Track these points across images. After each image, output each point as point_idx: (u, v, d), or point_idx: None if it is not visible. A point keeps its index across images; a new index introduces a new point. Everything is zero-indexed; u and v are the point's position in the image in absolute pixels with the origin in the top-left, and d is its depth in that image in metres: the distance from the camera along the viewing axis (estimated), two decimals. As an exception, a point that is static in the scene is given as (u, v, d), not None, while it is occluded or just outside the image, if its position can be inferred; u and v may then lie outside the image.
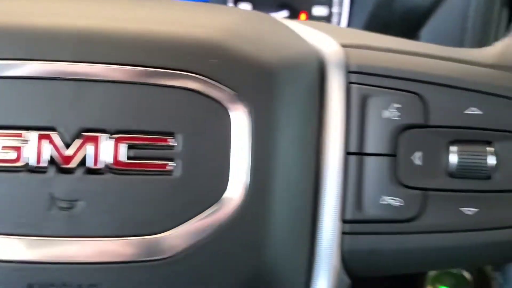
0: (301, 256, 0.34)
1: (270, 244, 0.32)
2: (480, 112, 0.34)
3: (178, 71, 0.31)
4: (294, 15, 0.99)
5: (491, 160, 0.34)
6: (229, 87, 0.31)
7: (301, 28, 0.39)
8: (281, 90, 0.33)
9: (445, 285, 0.92)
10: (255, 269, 0.32)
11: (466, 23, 0.79)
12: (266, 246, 0.32)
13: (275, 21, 0.38)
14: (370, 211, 0.34)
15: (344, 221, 0.35)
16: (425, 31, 0.84)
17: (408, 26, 0.58)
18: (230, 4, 0.98)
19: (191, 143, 0.31)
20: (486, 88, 0.34)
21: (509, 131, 0.34)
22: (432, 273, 0.91)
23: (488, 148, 0.34)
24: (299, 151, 0.34)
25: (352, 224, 0.35)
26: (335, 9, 0.98)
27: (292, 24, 0.39)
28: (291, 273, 0.34)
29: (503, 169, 0.34)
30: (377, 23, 0.60)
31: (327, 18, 0.99)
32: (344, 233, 0.35)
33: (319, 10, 1.00)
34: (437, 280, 0.91)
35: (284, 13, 0.98)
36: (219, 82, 0.31)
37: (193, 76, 0.31)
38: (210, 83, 0.31)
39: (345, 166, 0.35)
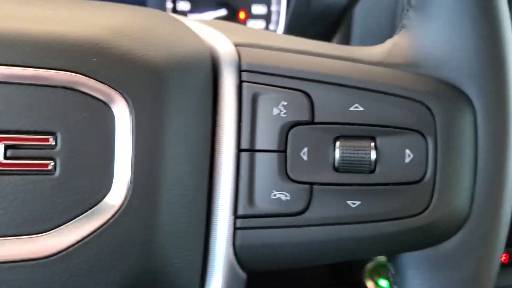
0: (195, 252, 0.35)
1: (159, 241, 0.33)
2: (362, 108, 0.35)
3: (58, 71, 0.31)
4: (233, 14, 1.00)
5: (373, 155, 0.35)
6: (110, 86, 0.31)
7: (198, 26, 0.39)
8: (170, 88, 0.33)
9: (383, 277, 0.94)
10: (141, 267, 0.32)
11: (395, 21, 0.81)
12: (154, 243, 0.32)
13: (171, 20, 0.39)
14: (261, 206, 0.35)
15: (237, 216, 0.35)
16: (357, 29, 0.86)
17: (328, 24, 0.59)
18: (169, 2, 0.98)
19: (72, 143, 0.31)
20: (368, 85, 0.35)
21: (389, 126, 0.35)
22: (369, 266, 0.93)
23: (370, 143, 0.35)
24: (191, 149, 0.34)
25: (244, 219, 0.35)
26: (273, 8, 0.99)
27: (190, 23, 0.40)
28: (184, 270, 0.35)
29: (385, 163, 0.35)
30: (298, 20, 0.61)
31: (266, 16, 1.00)
32: (237, 228, 0.35)
33: (258, 9, 1.01)
34: (375, 272, 0.94)
35: (223, 11, 0.98)
36: (100, 81, 0.31)
37: (74, 75, 0.31)
38: (91, 81, 0.31)
39: (237, 163, 0.35)
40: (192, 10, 0.99)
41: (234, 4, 0.99)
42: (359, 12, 0.81)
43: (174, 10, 0.97)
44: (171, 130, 0.33)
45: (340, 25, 0.62)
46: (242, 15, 1.00)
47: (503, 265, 0.89)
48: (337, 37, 0.85)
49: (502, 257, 0.89)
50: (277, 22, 0.99)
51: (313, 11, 0.60)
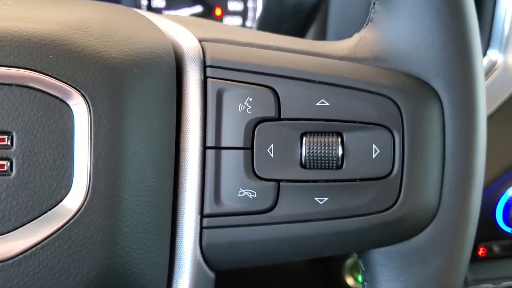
0: (160, 253, 0.34)
1: (121, 242, 0.32)
2: (329, 104, 0.35)
3: (13, 68, 0.30)
4: (208, 11, 0.99)
5: (340, 151, 0.34)
6: (67, 83, 0.30)
7: (163, 22, 0.38)
8: (129, 84, 0.32)
9: (363, 273, 0.94)
10: (103, 268, 0.31)
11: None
12: (115, 245, 0.32)
13: (134, 15, 0.38)
14: (228, 204, 0.35)
15: (203, 215, 0.35)
16: (332, 24, 0.86)
17: (300, 20, 0.59)
18: (144, 0, 0.96)
19: (29, 142, 0.30)
20: (334, 80, 0.35)
21: (356, 122, 0.35)
22: (349, 262, 0.93)
23: (337, 139, 0.34)
24: (154, 147, 0.33)
25: (211, 218, 0.35)
26: (250, 4, 0.99)
27: (155, 18, 0.39)
28: (149, 271, 0.34)
29: (352, 158, 0.34)
30: (271, 17, 0.61)
31: (243, 13, 0.99)
32: (203, 227, 0.35)
33: (234, 5, 1.00)
34: (354, 268, 0.94)
35: (198, 8, 0.97)
36: (56, 78, 0.30)
37: (29, 72, 0.30)
38: (48, 79, 0.30)
39: (203, 161, 0.35)
40: (168, 7, 0.97)
41: (210, 0, 0.98)
42: (334, 7, 0.81)
43: (149, 7, 0.96)
44: (132, 128, 0.32)
45: (312, 21, 0.61)
46: (218, 11, 0.99)
47: (480, 259, 0.90)
48: (313, 32, 0.85)
49: (479, 250, 0.90)
50: (254, 19, 0.99)
51: (285, 7, 0.59)
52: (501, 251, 0.88)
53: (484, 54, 0.81)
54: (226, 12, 1.00)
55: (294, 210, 0.34)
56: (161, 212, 0.34)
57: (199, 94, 0.35)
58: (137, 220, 0.33)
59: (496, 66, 0.80)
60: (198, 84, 0.35)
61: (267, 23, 0.63)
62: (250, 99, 0.35)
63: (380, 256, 0.37)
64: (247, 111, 0.35)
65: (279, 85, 0.35)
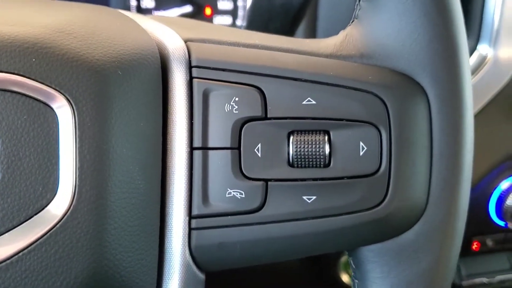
0: (148, 255, 0.34)
1: (109, 245, 0.32)
2: (315, 102, 0.35)
3: None
4: (198, 10, 0.98)
5: (327, 149, 0.34)
6: (51, 86, 0.30)
7: (148, 23, 0.38)
8: (114, 86, 0.32)
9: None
10: (91, 272, 0.31)
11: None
12: (103, 248, 0.31)
13: (119, 16, 0.38)
14: (216, 205, 0.34)
15: (192, 216, 0.35)
16: (322, 22, 0.85)
17: (289, 18, 0.58)
18: (133, 1, 0.96)
19: (13, 147, 0.30)
20: (320, 78, 0.35)
21: (342, 119, 0.34)
22: (344, 259, 0.93)
23: (324, 137, 0.34)
24: (141, 149, 0.33)
25: (199, 219, 0.35)
26: (240, 3, 0.98)
27: (140, 19, 0.39)
28: (139, 273, 0.34)
29: (339, 156, 0.34)
30: (259, 15, 0.60)
31: (233, 12, 0.99)
32: (192, 228, 0.35)
33: (224, 4, 1.00)
34: (349, 265, 0.94)
35: (188, 8, 0.97)
36: (40, 81, 0.30)
37: (12, 76, 0.30)
38: (31, 82, 0.30)
39: (190, 162, 0.35)
40: (157, 7, 0.97)
41: (200, 0, 0.98)
42: (323, 5, 0.81)
43: (139, 8, 0.96)
44: (118, 130, 0.32)
45: (301, 19, 0.61)
46: (208, 11, 0.99)
47: (474, 253, 0.90)
48: (303, 30, 0.85)
49: (473, 245, 0.90)
50: (244, 17, 0.99)
51: (273, 5, 0.59)
52: (494, 245, 0.88)
53: (474, 48, 0.82)
54: (216, 11, 1.00)
55: (282, 209, 0.34)
56: (148, 214, 0.34)
57: (185, 95, 0.35)
58: (125, 223, 0.32)
59: (486, 60, 0.80)
60: (184, 85, 0.35)
61: (256, 21, 0.62)
62: (237, 99, 0.34)
63: (370, 253, 0.37)
64: (234, 111, 0.34)
65: (265, 84, 0.35)
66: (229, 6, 0.99)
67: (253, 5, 0.62)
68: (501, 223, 0.84)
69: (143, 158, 0.33)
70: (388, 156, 0.34)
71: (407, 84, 0.35)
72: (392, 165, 0.34)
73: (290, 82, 0.35)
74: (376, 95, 0.35)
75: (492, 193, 0.84)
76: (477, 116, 0.80)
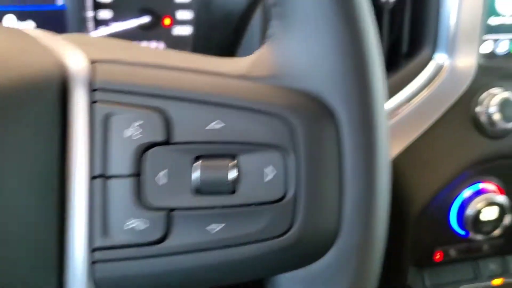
0: None
1: (3, 282, 0.30)
2: (222, 125, 0.33)
3: None
4: (157, 21, 0.97)
5: (232, 174, 0.33)
6: None
7: (56, 43, 0.37)
8: (9, 112, 0.30)
9: None
10: None
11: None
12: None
13: (18, 36, 0.36)
14: (117, 236, 0.33)
15: (93, 249, 0.33)
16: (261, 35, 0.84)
17: (230, 30, 0.57)
18: (90, 11, 0.94)
19: None
20: (227, 101, 0.33)
21: (249, 143, 0.33)
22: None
23: (230, 162, 0.33)
24: (35, 180, 0.31)
25: (101, 251, 0.33)
26: (199, 13, 0.97)
27: (46, 38, 0.37)
28: None
29: (245, 182, 0.33)
30: (201, 27, 0.59)
31: (192, 22, 0.98)
32: (94, 261, 0.33)
33: (183, 14, 0.99)
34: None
35: (146, 18, 0.95)
36: None
37: None
38: None
39: (91, 191, 0.33)
40: (115, 19, 0.95)
41: (158, 10, 0.96)
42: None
43: (95, 19, 0.94)
44: (7, 160, 0.30)
45: (243, 31, 0.60)
46: (167, 21, 0.97)
47: (437, 264, 0.89)
48: (259, 41, 0.84)
49: (436, 255, 0.89)
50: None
51: (213, 17, 0.58)
52: (457, 254, 0.87)
53: (431, 57, 0.81)
54: (175, 21, 0.99)
55: (186, 239, 0.33)
56: (44, 251, 0.32)
57: (86, 120, 0.33)
58: (15, 264, 0.31)
59: (443, 69, 0.80)
60: (85, 109, 0.33)
61: (199, 32, 0.61)
62: (139, 123, 0.33)
63: (285, 281, 0.35)
64: (135, 136, 0.33)
65: (171, 107, 0.33)
66: (188, 16, 0.98)
67: (195, 16, 0.61)
68: (463, 232, 0.83)
69: (38, 191, 0.32)
70: (295, 181, 0.33)
71: (317, 106, 0.34)
72: (300, 191, 0.33)
73: (196, 105, 0.34)
74: (283, 118, 0.33)
75: (452, 202, 0.83)
76: (436, 125, 0.79)
